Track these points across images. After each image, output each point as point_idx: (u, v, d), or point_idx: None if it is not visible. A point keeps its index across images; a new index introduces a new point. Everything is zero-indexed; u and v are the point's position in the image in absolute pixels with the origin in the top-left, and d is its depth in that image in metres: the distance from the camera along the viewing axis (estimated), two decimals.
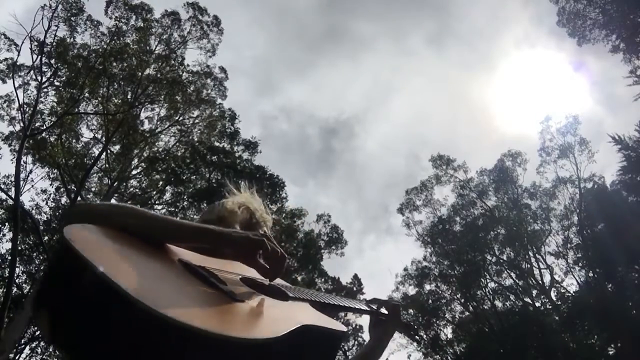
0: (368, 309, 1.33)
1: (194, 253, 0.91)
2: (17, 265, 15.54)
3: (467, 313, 25.24)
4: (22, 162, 15.06)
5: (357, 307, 1.31)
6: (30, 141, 16.11)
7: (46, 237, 17.28)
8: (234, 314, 0.75)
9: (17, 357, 15.97)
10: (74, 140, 18.40)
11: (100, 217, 0.82)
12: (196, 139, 20.15)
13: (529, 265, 24.46)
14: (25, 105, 16.25)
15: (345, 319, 25.10)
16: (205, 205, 16.32)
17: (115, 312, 0.61)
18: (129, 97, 18.44)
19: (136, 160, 19.15)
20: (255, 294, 0.88)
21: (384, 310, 1.35)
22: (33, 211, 17.74)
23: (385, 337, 1.34)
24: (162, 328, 0.59)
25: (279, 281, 1.02)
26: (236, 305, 0.78)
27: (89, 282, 0.63)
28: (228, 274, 0.90)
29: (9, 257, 13.72)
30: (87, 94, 17.50)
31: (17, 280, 16.34)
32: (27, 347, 16.68)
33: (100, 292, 0.62)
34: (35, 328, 16.70)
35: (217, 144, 20.17)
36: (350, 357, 21.91)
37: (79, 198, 15.93)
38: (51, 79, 16.80)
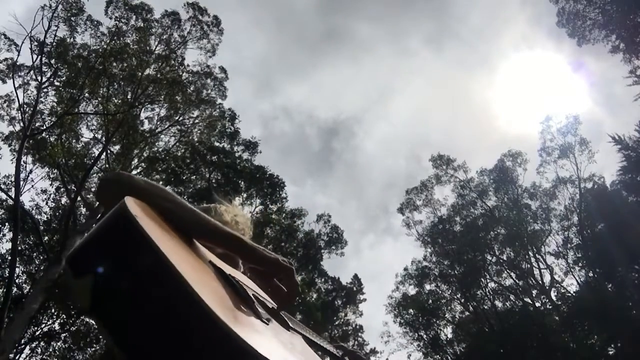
0: (336, 355, 1.33)
1: (212, 254, 0.90)
2: (17, 265, 15.56)
3: (467, 313, 25.26)
4: (22, 162, 15.07)
5: (328, 349, 1.30)
6: (30, 141, 16.11)
7: (46, 237, 17.29)
8: (265, 336, 0.74)
9: (17, 357, 15.97)
10: (74, 140, 18.39)
11: (141, 193, 0.79)
12: (196, 139, 20.15)
13: (529, 265, 24.47)
14: (25, 105, 16.26)
15: (345, 319, 25.11)
16: (205, 205, 16.31)
17: (168, 297, 0.60)
18: (129, 97, 18.44)
19: (136, 160, 19.15)
20: (270, 318, 0.87)
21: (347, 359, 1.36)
22: (33, 211, 17.77)
23: None
24: (209, 326, 0.58)
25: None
26: (265, 327, 0.76)
27: (149, 262, 0.62)
28: (246, 287, 0.89)
29: (9, 257, 13.72)
30: (87, 94, 17.49)
31: (17, 280, 16.35)
32: (27, 347, 16.67)
33: (159, 275, 0.61)
34: (36, 328, 16.72)
35: (217, 144, 20.18)
36: None
37: (78, 198, 15.93)
38: (51, 79, 16.80)
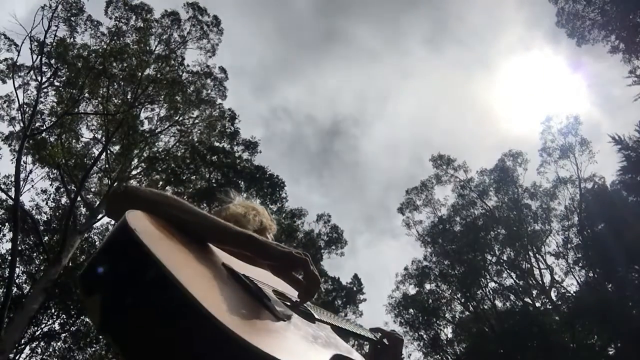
0: (373, 338, 1.36)
1: (230, 256, 0.90)
2: (17, 265, 15.55)
3: (467, 313, 25.23)
4: (22, 162, 15.06)
5: (364, 334, 1.33)
6: (30, 141, 16.10)
7: (46, 237, 17.28)
8: (280, 335, 0.74)
9: (17, 357, 15.96)
10: (74, 140, 18.38)
11: (148, 204, 0.79)
12: (196, 139, 20.14)
13: (529, 265, 24.45)
14: (25, 105, 16.26)
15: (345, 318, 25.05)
16: (205, 205, 16.31)
17: (175, 311, 0.60)
18: (129, 97, 18.43)
19: (136, 160, 19.14)
20: (290, 312, 0.87)
21: (385, 341, 1.39)
22: (33, 211, 17.76)
23: None
24: (221, 337, 0.58)
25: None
26: (280, 325, 0.76)
27: (152, 276, 0.61)
28: (265, 286, 0.89)
29: (9, 257, 13.71)
30: (87, 94, 17.49)
31: (17, 280, 16.34)
32: (27, 347, 16.67)
33: (162, 288, 0.60)
34: (36, 328, 16.71)
35: (217, 144, 20.16)
36: None
37: (78, 198, 15.92)
38: (51, 79, 16.79)
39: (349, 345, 0.97)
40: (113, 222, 0.82)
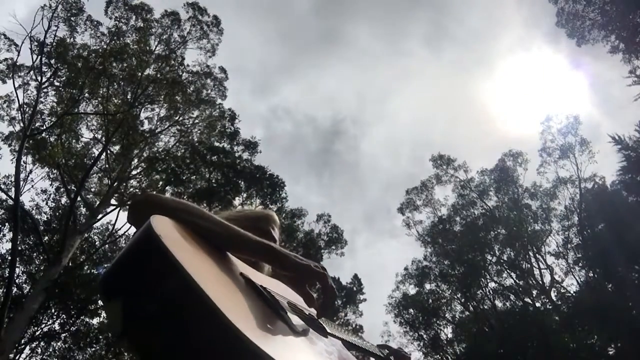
0: (381, 355, 1.34)
1: (248, 266, 0.89)
2: (17, 265, 15.54)
3: (467, 313, 25.24)
4: (22, 162, 15.06)
5: (371, 350, 1.31)
6: (30, 141, 16.10)
7: (46, 237, 17.27)
8: (298, 350, 0.74)
9: (17, 357, 15.96)
10: (74, 140, 18.39)
11: (169, 211, 0.80)
12: (196, 139, 20.14)
13: (529, 265, 24.46)
14: (25, 105, 16.25)
15: (345, 319, 25.10)
16: (205, 205, 16.31)
17: (195, 319, 0.59)
18: (129, 97, 18.43)
19: (136, 160, 19.14)
20: (305, 326, 0.87)
21: (392, 359, 1.37)
22: (33, 211, 17.75)
23: None
24: (238, 348, 0.58)
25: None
26: (297, 339, 0.76)
27: (176, 284, 0.61)
28: (281, 298, 0.89)
29: (9, 257, 13.70)
30: (87, 94, 17.49)
31: (17, 280, 16.33)
32: (27, 347, 16.66)
33: (185, 296, 0.60)
34: (36, 328, 16.71)
35: (217, 144, 20.16)
36: None
37: (78, 198, 15.92)
38: (51, 79, 16.79)
39: None
40: (134, 229, 0.82)
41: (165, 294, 0.62)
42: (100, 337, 16.82)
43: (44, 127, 16.90)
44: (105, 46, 18.00)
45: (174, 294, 0.61)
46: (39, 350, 17.23)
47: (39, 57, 16.01)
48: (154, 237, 0.65)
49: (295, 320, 0.84)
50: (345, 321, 24.85)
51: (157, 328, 0.61)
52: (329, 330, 0.97)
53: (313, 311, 0.99)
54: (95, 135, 18.77)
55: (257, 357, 0.58)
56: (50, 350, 17.20)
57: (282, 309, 0.80)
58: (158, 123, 19.58)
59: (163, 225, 0.70)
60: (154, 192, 0.91)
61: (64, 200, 18.10)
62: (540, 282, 23.91)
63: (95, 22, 18.18)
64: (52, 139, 17.21)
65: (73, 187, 16.39)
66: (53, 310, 16.93)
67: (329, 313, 0.95)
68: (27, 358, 17.00)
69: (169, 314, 0.61)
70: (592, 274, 20.28)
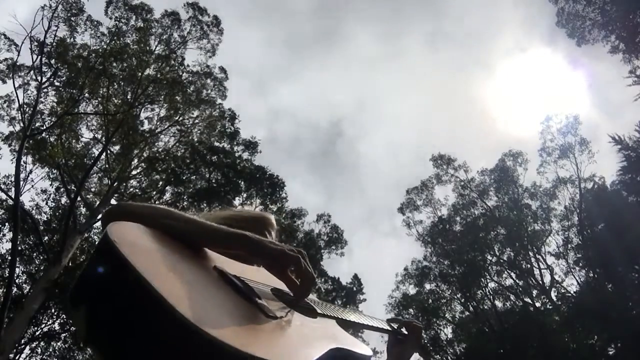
0: (389, 329, 1.32)
1: (228, 259, 0.90)
2: (17, 265, 15.54)
3: (467, 313, 25.23)
4: (22, 162, 15.06)
5: (378, 325, 1.29)
6: (30, 141, 16.10)
7: (46, 237, 17.27)
8: (267, 332, 0.74)
9: (17, 357, 15.97)
10: (74, 140, 18.39)
11: (137, 217, 0.81)
12: (196, 139, 20.14)
13: (529, 266, 24.45)
14: (25, 105, 16.25)
15: None
16: (205, 205, 16.32)
17: (151, 317, 0.61)
18: (129, 97, 18.43)
19: (136, 160, 19.15)
20: (287, 309, 0.87)
21: (404, 330, 1.35)
22: (33, 211, 17.75)
23: (403, 358, 1.34)
24: (194, 339, 0.59)
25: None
26: (270, 323, 0.76)
27: (129, 284, 0.62)
28: (261, 285, 0.89)
29: (9, 257, 13.71)
30: (87, 94, 17.49)
31: (17, 280, 16.34)
32: (27, 347, 16.68)
33: (139, 295, 0.61)
34: (36, 328, 16.72)
35: (217, 144, 20.17)
36: None
37: (78, 198, 15.92)
38: (51, 79, 16.79)
39: (355, 338, 0.96)
40: None
41: (120, 297, 0.63)
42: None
43: (44, 127, 16.90)
44: (105, 46, 18.01)
45: (128, 295, 0.62)
46: (39, 350, 17.25)
47: (39, 57, 16.02)
48: (110, 244, 0.67)
49: (274, 305, 0.84)
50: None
51: (117, 332, 0.63)
52: (319, 311, 0.97)
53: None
54: (95, 135, 18.79)
55: (215, 346, 0.58)
56: (50, 350, 17.22)
57: (256, 295, 0.80)
58: (158, 123, 19.60)
59: (121, 232, 0.72)
60: (123, 202, 0.93)
61: (64, 200, 18.12)
62: (540, 282, 23.90)
63: (95, 22, 18.21)
64: (52, 139, 17.22)
65: (73, 187, 16.39)
66: (53, 310, 16.94)
67: (309, 295, 0.94)
68: (27, 358, 17.03)
69: (129, 317, 0.62)
70: (592, 274, 20.28)
